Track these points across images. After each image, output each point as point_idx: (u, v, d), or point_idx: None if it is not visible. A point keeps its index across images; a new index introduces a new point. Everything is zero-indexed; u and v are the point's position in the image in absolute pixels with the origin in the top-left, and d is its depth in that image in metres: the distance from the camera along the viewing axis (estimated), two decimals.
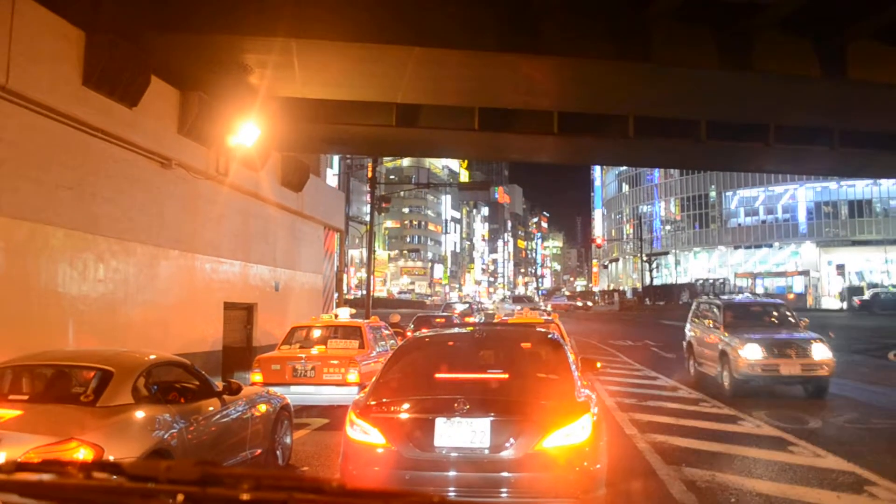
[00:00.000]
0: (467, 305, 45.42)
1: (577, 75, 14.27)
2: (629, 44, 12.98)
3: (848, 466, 7.58)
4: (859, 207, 69.53)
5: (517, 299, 70.81)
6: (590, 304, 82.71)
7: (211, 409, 6.82)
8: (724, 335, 13.71)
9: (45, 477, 1.76)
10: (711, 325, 14.80)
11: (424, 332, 8.03)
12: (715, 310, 15.04)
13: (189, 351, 13.32)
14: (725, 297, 17.60)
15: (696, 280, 74.33)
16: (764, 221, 75.42)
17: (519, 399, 5.43)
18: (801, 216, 72.29)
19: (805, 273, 64.57)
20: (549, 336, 6.68)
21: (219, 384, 7.19)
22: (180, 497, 1.57)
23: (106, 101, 11.64)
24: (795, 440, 8.98)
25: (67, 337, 10.97)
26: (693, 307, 16.96)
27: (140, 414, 5.85)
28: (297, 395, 10.47)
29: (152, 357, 6.69)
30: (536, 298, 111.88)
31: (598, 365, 7.57)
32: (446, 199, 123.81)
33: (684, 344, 16.62)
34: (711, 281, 72.66)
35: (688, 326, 16.52)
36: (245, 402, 7.47)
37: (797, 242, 72.02)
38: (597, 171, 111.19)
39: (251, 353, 15.86)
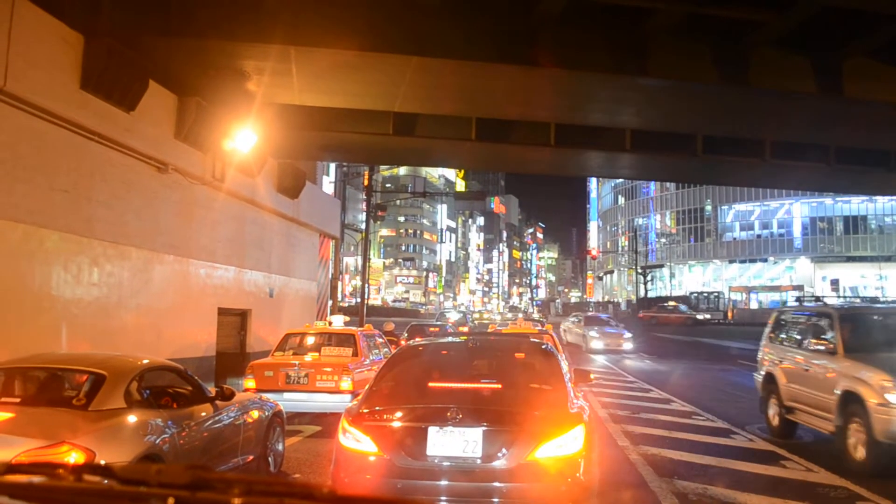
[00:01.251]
0: (461, 315, 45.40)
1: (574, 87, 14.33)
2: (627, 57, 13.04)
3: (840, 481, 7.59)
4: (854, 223, 69.93)
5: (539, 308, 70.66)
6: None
7: (203, 414, 6.80)
8: (847, 365, 8.78)
9: (36, 480, 1.76)
10: (815, 348, 9.78)
11: (418, 340, 8.04)
12: (822, 323, 10.08)
13: (182, 356, 13.28)
14: (837, 303, 13.26)
15: (691, 293, 74.51)
16: (759, 236, 75.76)
17: (512, 409, 5.43)
18: (797, 231, 72.66)
19: (799, 288, 64.74)
20: (543, 346, 6.69)
21: (212, 390, 7.18)
22: (170, 501, 1.57)
23: (103, 105, 11.63)
24: (788, 454, 8.98)
25: (61, 340, 10.93)
26: (772, 320, 11.94)
27: (132, 418, 5.83)
28: (289, 401, 10.45)
29: (145, 361, 6.68)
30: (531, 309, 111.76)
31: (592, 376, 7.57)
32: (442, 209, 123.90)
33: (758, 376, 11.65)
34: (706, 294, 72.87)
35: (764, 349, 11.67)
36: (237, 407, 7.46)
37: (792, 257, 72.35)
38: (592, 182, 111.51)
39: (244, 359, 15.82)
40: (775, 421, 10.65)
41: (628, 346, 28.90)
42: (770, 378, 11.03)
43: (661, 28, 12.84)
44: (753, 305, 65.02)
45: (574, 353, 22.38)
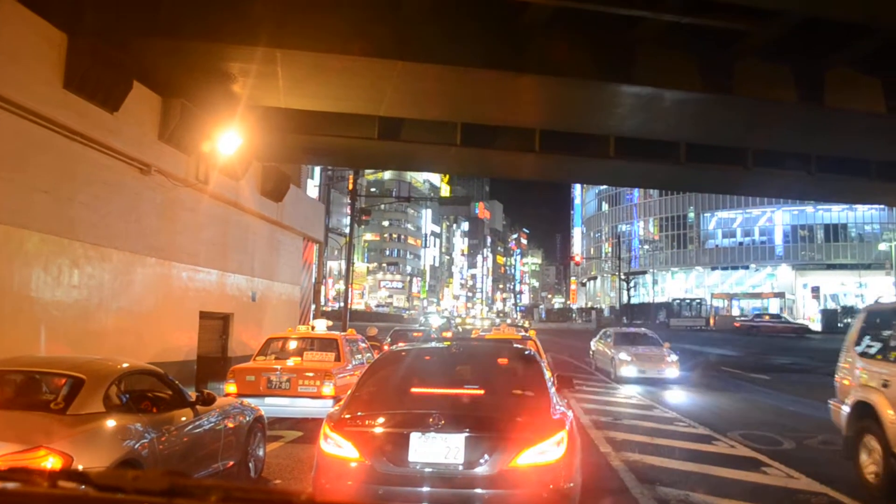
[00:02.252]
0: (445, 320, 45.68)
1: (560, 94, 14.38)
2: (612, 65, 13.11)
3: (821, 488, 7.62)
4: (835, 232, 70.61)
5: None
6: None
7: (183, 419, 6.74)
8: None
9: (10, 485, 1.73)
10: None
11: (401, 345, 8.01)
12: None
13: (163, 360, 13.18)
14: None
15: (674, 300, 74.94)
16: (741, 243, 76.31)
17: (494, 415, 5.42)
18: (778, 239, 73.24)
19: (780, 295, 65.35)
20: (526, 353, 6.68)
21: (192, 394, 7.12)
22: None
23: (87, 105, 11.53)
24: (769, 461, 9.02)
25: (39, 343, 10.80)
26: (861, 321, 8.53)
27: (111, 423, 5.77)
28: (271, 406, 10.37)
29: (125, 365, 6.60)
30: (515, 315, 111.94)
31: (574, 382, 7.57)
32: (427, 214, 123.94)
33: (841, 407, 8.18)
34: (688, 301, 73.31)
35: (851, 365, 8.24)
36: (218, 412, 7.39)
37: (773, 265, 72.92)
38: (577, 189, 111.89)
39: (226, 364, 15.72)
40: (872, 474, 7.39)
41: (673, 372, 19.79)
42: (864, 409, 7.51)
43: (645, 36, 12.92)
44: (735, 312, 65.43)
45: (599, 385, 19.02)
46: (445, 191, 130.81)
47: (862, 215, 69.39)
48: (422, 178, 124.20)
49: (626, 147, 17.65)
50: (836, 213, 69.89)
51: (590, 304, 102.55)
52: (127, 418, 5.98)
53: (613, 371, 20.70)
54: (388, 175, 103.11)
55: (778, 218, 73.09)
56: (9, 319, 10.37)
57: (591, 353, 25.29)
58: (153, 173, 13.81)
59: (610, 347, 21.80)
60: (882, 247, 60.65)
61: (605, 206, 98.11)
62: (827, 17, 11.83)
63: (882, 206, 60.23)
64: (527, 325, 53.71)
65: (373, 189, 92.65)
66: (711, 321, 64.87)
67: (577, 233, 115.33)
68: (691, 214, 79.36)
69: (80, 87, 11.23)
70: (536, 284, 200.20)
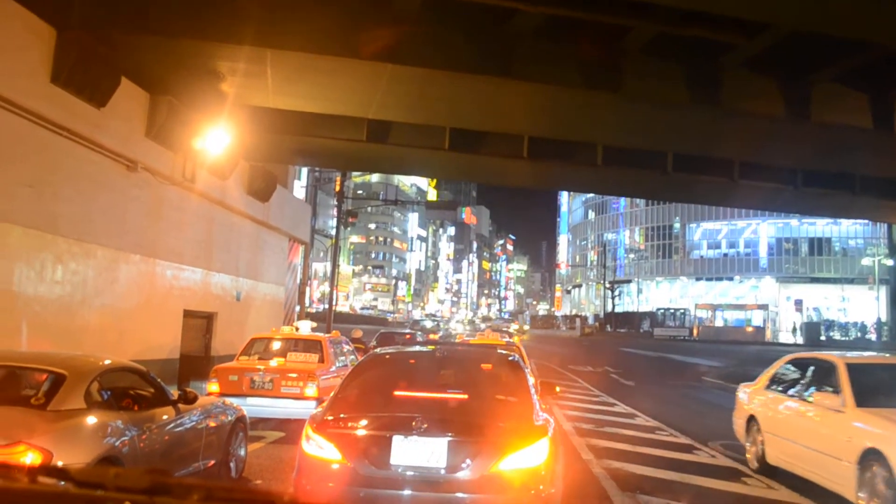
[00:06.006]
0: (435, 323, 46.12)
1: (548, 102, 14.42)
2: (600, 74, 13.18)
3: (800, 500, 7.68)
4: (819, 245, 71.19)
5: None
6: None
7: (165, 417, 6.71)
8: None
9: None
10: None
11: (385, 349, 7.99)
12: None
13: (145, 358, 13.09)
14: None
15: (658, 309, 75.19)
16: (726, 255, 76.75)
17: (477, 420, 5.42)
18: (763, 251, 73.74)
19: (764, 307, 65.68)
20: (510, 358, 6.69)
21: (174, 393, 7.08)
22: None
23: (73, 100, 11.48)
24: (750, 472, 9.06)
25: (21, 338, 10.72)
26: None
27: (91, 419, 5.74)
28: (253, 406, 10.32)
29: (107, 362, 6.57)
30: (500, 320, 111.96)
31: (557, 389, 7.59)
32: (413, 217, 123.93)
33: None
34: (672, 311, 73.59)
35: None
36: (200, 411, 7.36)
37: (757, 277, 73.38)
38: (564, 196, 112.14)
39: (209, 363, 15.64)
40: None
41: None
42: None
43: (634, 46, 13.00)
44: (719, 323, 65.80)
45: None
46: (433, 195, 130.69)
47: (846, 230, 69.98)
48: (409, 182, 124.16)
49: (614, 156, 17.73)
50: (820, 226, 70.47)
51: (574, 312, 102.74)
52: (108, 415, 5.95)
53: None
54: (375, 178, 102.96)
55: (763, 230, 73.61)
56: None
57: (746, 417, 9.99)
58: (139, 170, 13.75)
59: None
60: (865, 261, 61.15)
61: (591, 215, 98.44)
62: (812, 31, 11.94)
63: (866, 221, 60.77)
64: (520, 328, 53.60)
65: (360, 191, 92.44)
66: (695, 331, 65.15)
67: (563, 240, 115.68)
68: (677, 225, 79.76)
69: (67, 81, 11.19)
70: (521, 291, 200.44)
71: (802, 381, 8.76)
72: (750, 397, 9.98)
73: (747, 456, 9.53)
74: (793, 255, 72.24)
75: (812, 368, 8.75)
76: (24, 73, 10.56)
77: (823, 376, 8.17)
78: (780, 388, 9.27)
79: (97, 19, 11.36)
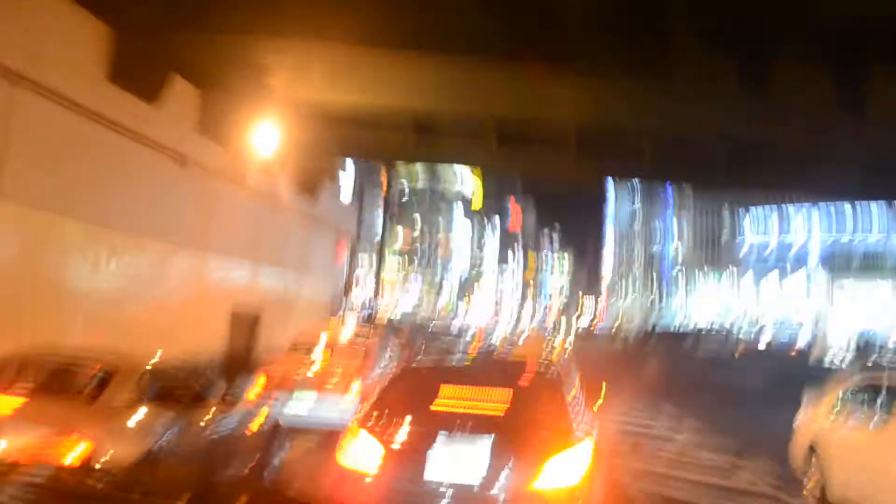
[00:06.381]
0: (478, 329, 46.27)
1: (598, 91, 14.24)
2: (650, 60, 12.93)
3: None
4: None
5: None
6: None
7: (207, 417, 6.79)
8: None
9: (38, 479, 1.74)
10: None
11: (422, 359, 7.88)
12: None
13: (192, 354, 13.21)
14: None
15: (708, 325, 73.61)
16: (782, 266, 74.70)
17: (514, 436, 5.30)
18: (814, 258, 71.56)
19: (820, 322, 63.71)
20: (549, 372, 6.56)
21: (219, 391, 7.14)
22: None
23: (126, 96, 11.72)
24: (790, 499, 8.56)
25: (75, 330, 10.90)
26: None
27: (139, 414, 5.84)
28: (298, 404, 10.28)
29: (155, 359, 6.69)
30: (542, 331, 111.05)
31: (598, 404, 7.29)
32: (458, 222, 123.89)
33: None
34: (720, 325, 71.99)
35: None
36: (241, 413, 7.42)
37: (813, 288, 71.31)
38: (610, 204, 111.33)
39: (253, 361, 15.73)
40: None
41: None
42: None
43: (684, 38, 12.76)
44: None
45: None
46: (478, 193, 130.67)
47: None
48: (455, 189, 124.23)
49: (663, 150, 17.47)
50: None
51: (617, 324, 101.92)
52: (154, 411, 6.05)
53: None
54: (420, 183, 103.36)
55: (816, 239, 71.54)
56: (47, 305, 10.49)
57: (806, 446, 9.09)
58: (190, 165, 13.95)
59: None
60: None
61: (637, 224, 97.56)
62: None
63: None
64: (563, 343, 52.91)
65: (405, 196, 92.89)
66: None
67: (607, 252, 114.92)
68: (727, 232, 78.28)
69: (121, 78, 11.44)
70: (565, 300, 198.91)
71: (882, 407, 7.47)
72: (810, 423, 8.89)
73: (805, 491, 8.45)
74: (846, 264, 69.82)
75: (886, 393, 7.54)
76: (82, 71, 10.80)
77: None
78: (851, 414, 8.08)
79: (149, 17, 11.53)
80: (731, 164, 18.12)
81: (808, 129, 15.94)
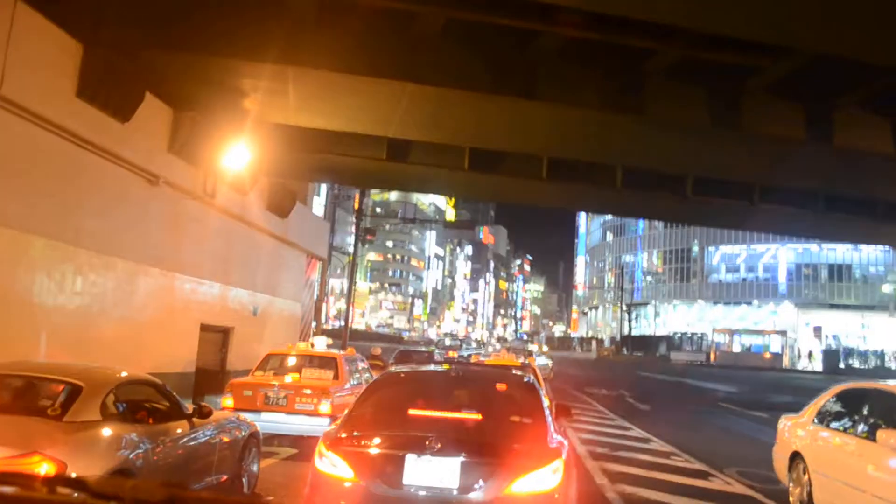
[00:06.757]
0: (457, 342, 46.70)
1: (569, 123, 14.42)
2: (622, 97, 13.17)
3: None
4: (839, 272, 70.64)
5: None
6: None
7: (179, 431, 6.73)
8: None
9: (8, 490, 1.73)
10: None
11: (400, 367, 7.98)
12: None
13: (162, 371, 13.10)
14: None
15: (675, 333, 74.70)
16: (744, 279, 76.27)
17: (491, 441, 5.39)
18: (782, 276, 73.21)
19: (783, 333, 65.03)
20: (525, 379, 6.64)
21: (189, 406, 7.11)
22: None
23: (98, 115, 11.63)
24: (765, 500, 8.93)
25: (39, 348, 10.78)
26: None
27: (107, 431, 5.77)
28: (267, 422, 10.36)
29: (123, 374, 6.61)
30: (518, 339, 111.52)
31: (572, 411, 7.53)
32: (431, 236, 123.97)
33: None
34: (690, 335, 73.03)
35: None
36: (214, 426, 7.38)
37: (776, 302, 72.78)
38: (582, 218, 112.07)
39: (224, 378, 15.65)
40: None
41: None
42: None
43: (657, 69, 13.00)
44: (736, 348, 65.17)
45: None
46: (451, 214, 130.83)
47: (867, 256, 69.40)
48: (427, 201, 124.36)
49: (634, 178, 17.71)
50: (840, 252, 69.94)
51: (591, 334, 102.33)
52: (123, 428, 5.98)
53: None
54: (393, 196, 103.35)
55: (782, 255, 73.11)
56: (11, 323, 10.37)
57: (789, 454, 9.03)
58: (161, 184, 13.88)
59: None
60: (886, 288, 60.58)
61: (609, 237, 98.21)
62: (837, 55, 11.85)
63: (887, 248, 60.19)
64: (540, 348, 53.10)
65: (378, 209, 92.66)
66: (712, 356, 64.56)
67: (580, 261, 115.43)
68: (695, 248, 79.41)
69: (92, 96, 11.35)
70: (538, 312, 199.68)
71: (861, 416, 7.64)
72: (794, 431, 8.98)
73: (790, 498, 8.54)
74: (812, 281, 71.69)
75: (872, 401, 7.71)
76: (51, 87, 10.72)
77: (888, 411, 7.17)
78: (832, 423, 8.24)
79: (124, 36, 11.51)
80: (699, 195, 18.41)
81: (777, 162, 16.26)
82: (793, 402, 22.77)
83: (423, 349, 31.63)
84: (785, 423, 9.42)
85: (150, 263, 14.03)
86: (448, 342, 40.80)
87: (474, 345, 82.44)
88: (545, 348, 59.32)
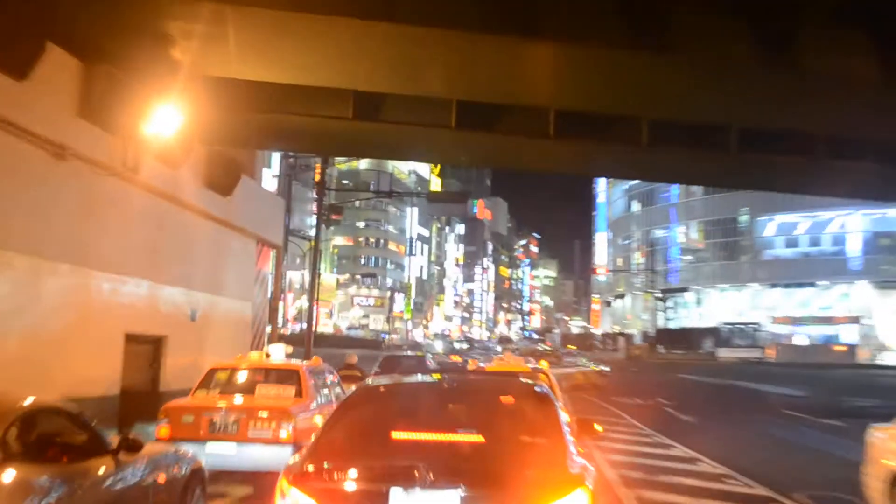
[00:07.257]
0: (450, 344, 46.91)
1: (579, 66, 14.41)
2: (644, 29, 13.13)
3: None
4: None
5: None
6: None
7: (102, 470, 6.74)
8: None
9: None
10: None
11: (379, 380, 7.99)
12: None
13: (77, 394, 13.09)
14: None
15: (722, 325, 74.99)
16: (807, 255, 76.60)
17: (497, 468, 5.41)
18: (854, 250, 73.38)
19: (857, 320, 65.39)
20: (537, 389, 6.67)
21: (113, 439, 7.10)
22: None
23: None
24: None
25: None
26: None
27: (8, 476, 5.75)
28: (214, 455, 10.35)
29: (27, 402, 6.58)
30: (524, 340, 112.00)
31: (598, 428, 7.56)
32: (412, 213, 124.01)
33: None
34: (741, 326, 73.36)
35: None
36: (146, 463, 7.40)
37: (848, 282, 73.03)
38: (601, 185, 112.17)
39: (157, 400, 15.66)
40: None
41: None
42: None
43: None
44: (800, 341, 65.53)
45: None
46: (436, 184, 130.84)
47: None
48: (406, 169, 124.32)
49: (663, 133, 17.68)
50: None
51: (616, 329, 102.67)
52: (29, 470, 5.96)
53: None
54: (364, 164, 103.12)
55: (854, 223, 73.40)
56: None
57: (889, 475, 9.20)
58: (69, 158, 13.80)
59: None
60: None
61: (635, 207, 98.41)
62: None
63: None
64: (554, 351, 53.22)
65: (345, 181, 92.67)
66: (770, 352, 64.91)
67: (600, 239, 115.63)
68: (744, 218, 79.58)
69: None
70: (550, 303, 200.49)
71: None
72: (892, 445, 8.69)
73: None
74: (894, 255, 71.86)
75: None
76: None
77: None
78: None
79: None
80: (746, 151, 18.41)
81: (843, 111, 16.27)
82: (880, 407, 22.91)
83: (410, 352, 31.71)
84: (878, 435, 9.19)
85: (56, 259, 13.97)
86: (457, 346, 41.09)
87: (499, 349, 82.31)
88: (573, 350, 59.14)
